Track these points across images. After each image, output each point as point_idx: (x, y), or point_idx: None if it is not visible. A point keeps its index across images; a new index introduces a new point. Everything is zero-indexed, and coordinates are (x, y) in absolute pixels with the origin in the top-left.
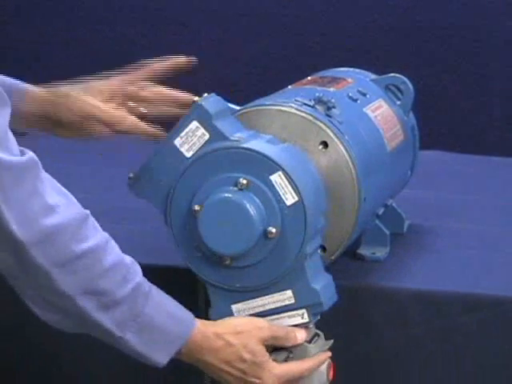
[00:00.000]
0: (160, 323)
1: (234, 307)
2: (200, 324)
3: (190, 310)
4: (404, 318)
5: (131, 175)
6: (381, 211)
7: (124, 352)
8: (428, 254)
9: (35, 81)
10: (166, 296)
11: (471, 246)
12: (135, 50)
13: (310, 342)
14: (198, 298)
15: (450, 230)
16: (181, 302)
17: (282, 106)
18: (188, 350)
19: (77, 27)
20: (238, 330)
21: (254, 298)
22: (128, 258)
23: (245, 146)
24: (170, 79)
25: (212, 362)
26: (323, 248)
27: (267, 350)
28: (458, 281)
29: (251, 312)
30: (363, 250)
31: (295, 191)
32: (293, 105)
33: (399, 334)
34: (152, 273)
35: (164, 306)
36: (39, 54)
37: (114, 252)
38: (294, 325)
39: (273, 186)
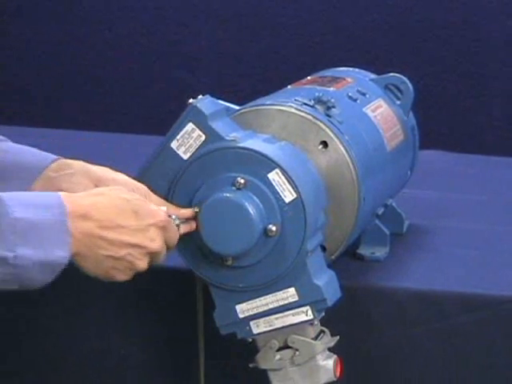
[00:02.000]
0: (34, 219)
1: (238, 307)
2: (67, 193)
3: (189, 313)
4: (403, 318)
5: None
6: (380, 211)
7: (27, 284)
8: (427, 253)
9: (35, 80)
10: (16, 193)
11: (471, 246)
12: (135, 50)
13: (315, 338)
14: (196, 301)
15: (450, 229)
16: (179, 305)
17: (282, 105)
18: (75, 222)
19: (76, 27)
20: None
21: (257, 297)
22: None
23: (241, 145)
24: (169, 79)
25: (101, 216)
26: (323, 248)
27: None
28: (457, 280)
29: (255, 311)
30: (363, 250)
31: (293, 188)
32: (292, 104)
33: (399, 334)
34: (151, 275)
35: (25, 201)
36: (37, 54)
37: None
38: (299, 322)
39: (271, 183)
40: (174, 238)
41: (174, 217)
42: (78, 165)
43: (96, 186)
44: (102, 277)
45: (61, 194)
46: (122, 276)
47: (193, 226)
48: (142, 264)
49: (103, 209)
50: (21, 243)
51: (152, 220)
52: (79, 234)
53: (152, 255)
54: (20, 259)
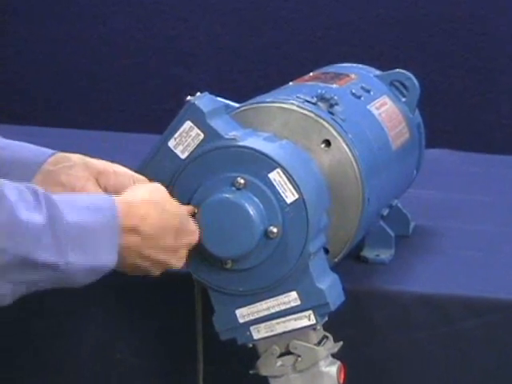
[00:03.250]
0: (86, 222)
1: (238, 312)
2: (120, 198)
3: (188, 317)
4: (408, 322)
5: None
6: (385, 212)
7: (68, 285)
8: (434, 256)
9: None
10: (67, 195)
11: (478, 248)
12: (133, 46)
13: (318, 344)
14: (194, 305)
15: (457, 231)
16: (177, 309)
17: (283, 103)
18: (124, 232)
19: (71, 22)
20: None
21: (258, 301)
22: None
23: (241, 144)
24: (166, 75)
25: (149, 232)
26: (326, 250)
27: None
28: (464, 284)
29: (256, 316)
30: (367, 253)
31: (295, 188)
32: (294, 102)
33: (403, 339)
34: (149, 279)
35: (76, 204)
36: (31, 51)
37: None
38: (301, 327)
39: (272, 184)
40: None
41: None
42: (77, 157)
43: (96, 178)
44: (138, 273)
45: (114, 197)
46: (157, 271)
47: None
48: (157, 273)
49: (152, 225)
50: (73, 249)
51: (187, 241)
52: (124, 245)
53: (169, 268)
54: (71, 266)
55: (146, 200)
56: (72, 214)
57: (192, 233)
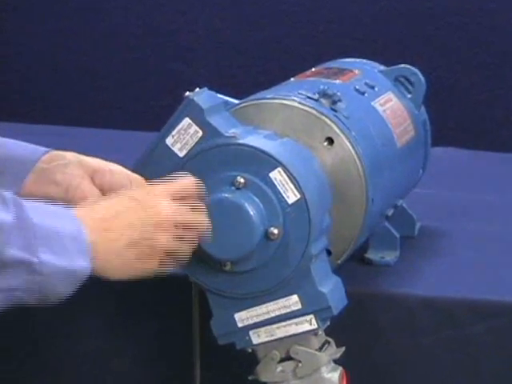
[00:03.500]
0: (54, 226)
1: (237, 316)
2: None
3: (184, 321)
4: (414, 326)
5: None
6: (390, 212)
7: (49, 295)
8: (440, 258)
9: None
10: (34, 202)
11: (486, 250)
12: (130, 40)
13: (320, 349)
14: (191, 309)
15: (464, 231)
16: (173, 313)
17: (284, 99)
18: (92, 234)
19: (68, 17)
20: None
21: (257, 304)
22: None
23: (241, 142)
24: (164, 71)
25: (117, 214)
26: (328, 252)
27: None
28: (472, 287)
29: (255, 320)
30: (371, 254)
31: (297, 188)
32: (295, 98)
33: (409, 343)
34: (143, 281)
35: (43, 209)
36: (28, 46)
37: None
38: (302, 332)
39: (272, 183)
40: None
41: None
42: (72, 155)
43: (91, 177)
44: (132, 274)
45: (75, 211)
46: (151, 262)
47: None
48: (164, 241)
49: (118, 211)
50: (43, 249)
51: (157, 217)
52: (96, 238)
53: (160, 250)
54: (45, 266)
55: (110, 206)
56: (39, 217)
57: (163, 207)
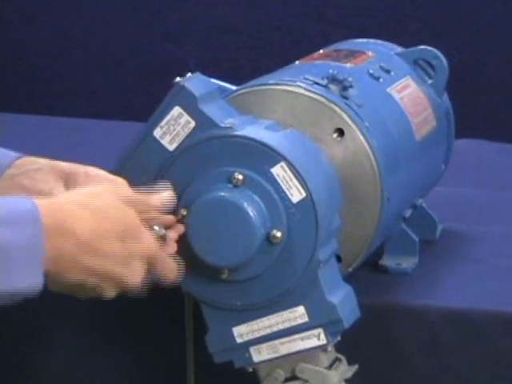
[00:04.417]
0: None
1: (236, 330)
2: (46, 201)
3: (177, 336)
4: (435, 343)
5: None
6: (408, 213)
7: None
8: (465, 265)
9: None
10: None
11: None
12: (120, 18)
13: (329, 367)
14: (184, 322)
15: (492, 235)
16: (164, 327)
17: (288, 85)
18: (52, 238)
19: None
20: (94, 192)
21: (258, 317)
22: None
23: (239, 133)
24: (153, 53)
25: (83, 234)
26: (338, 257)
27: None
28: (501, 298)
29: (257, 335)
30: (387, 261)
31: (302, 185)
32: (301, 84)
33: (430, 362)
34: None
35: None
36: (15, 26)
37: None
38: (310, 348)
39: (275, 180)
40: (170, 270)
41: (156, 228)
42: (44, 161)
43: (65, 182)
44: (65, 293)
45: (35, 201)
46: (84, 296)
47: (180, 228)
48: (110, 294)
49: (86, 228)
50: None
51: (139, 250)
52: (54, 254)
53: (125, 288)
54: None
55: (78, 201)
56: None
57: (145, 240)
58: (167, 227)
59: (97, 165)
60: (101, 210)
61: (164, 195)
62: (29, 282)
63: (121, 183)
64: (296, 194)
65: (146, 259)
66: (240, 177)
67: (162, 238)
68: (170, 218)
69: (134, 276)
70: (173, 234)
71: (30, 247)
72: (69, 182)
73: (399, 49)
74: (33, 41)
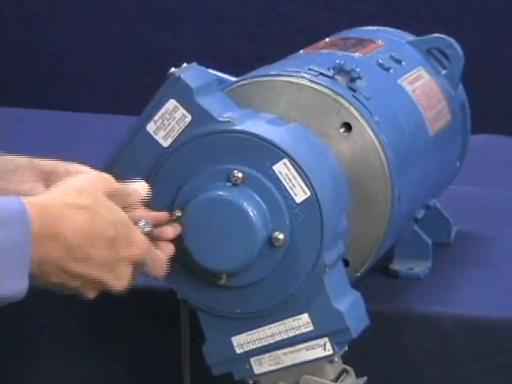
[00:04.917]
0: None
1: (235, 340)
2: (35, 200)
3: (172, 347)
4: (449, 353)
5: None
6: (420, 214)
7: None
8: (481, 269)
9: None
10: None
11: None
12: (116, 8)
13: (336, 380)
14: (180, 331)
15: (510, 238)
16: (158, 337)
17: (292, 76)
18: (39, 241)
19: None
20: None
21: (260, 326)
22: None
23: (238, 128)
24: (147, 42)
25: (72, 239)
26: (346, 261)
27: None
28: None
29: (258, 345)
30: (397, 265)
31: (306, 184)
32: (305, 75)
33: (443, 373)
34: (121, 298)
35: None
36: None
37: None
38: (315, 359)
39: (277, 178)
40: (159, 267)
41: (141, 223)
42: (22, 159)
43: (45, 181)
44: (44, 288)
45: (24, 201)
46: (65, 293)
47: (178, 229)
48: (92, 295)
49: (75, 231)
50: None
51: (129, 254)
52: (40, 257)
53: (109, 291)
54: None
55: (68, 203)
56: None
57: (135, 243)
58: (158, 225)
59: (90, 161)
60: (93, 211)
61: (138, 185)
62: (14, 287)
63: (106, 180)
64: (300, 193)
65: (134, 263)
66: (239, 175)
67: (147, 235)
68: (162, 214)
69: (120, 279)
70: (169, 234)
71: (17, 250)
72: (48, 180)
73: (411, 37)
74: (28, 32)
